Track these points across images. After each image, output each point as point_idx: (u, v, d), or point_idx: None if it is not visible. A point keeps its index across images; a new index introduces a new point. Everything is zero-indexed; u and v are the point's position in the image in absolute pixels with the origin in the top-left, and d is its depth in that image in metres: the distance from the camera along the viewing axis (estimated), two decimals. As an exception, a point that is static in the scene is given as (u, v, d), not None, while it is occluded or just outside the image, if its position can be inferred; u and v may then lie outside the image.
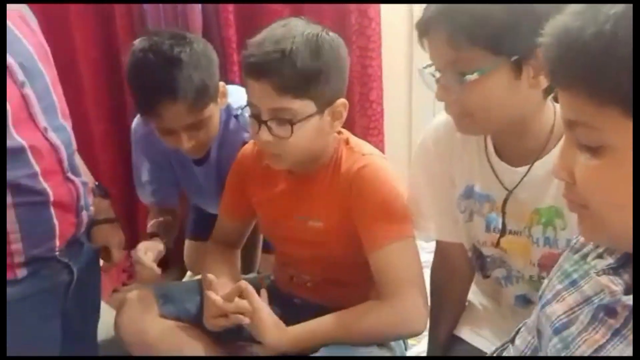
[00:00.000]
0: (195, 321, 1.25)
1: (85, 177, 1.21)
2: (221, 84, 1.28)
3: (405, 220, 1.10)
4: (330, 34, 1.08)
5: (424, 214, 1.11)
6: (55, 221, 1.07)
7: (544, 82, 0.88)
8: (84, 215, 1.15)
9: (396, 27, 2.06)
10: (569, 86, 0.56)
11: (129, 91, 2.06)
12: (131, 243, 2.26)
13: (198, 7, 1.94)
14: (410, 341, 1.32)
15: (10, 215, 1.00)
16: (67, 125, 1.12)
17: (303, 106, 1.04)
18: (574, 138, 0.57)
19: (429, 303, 1.12)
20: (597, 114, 0.53)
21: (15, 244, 1.03)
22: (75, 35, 2.01)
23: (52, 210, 1.06)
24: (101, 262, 1.32)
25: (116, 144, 2.13)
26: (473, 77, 0.87)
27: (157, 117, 1.19)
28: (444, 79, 0.92)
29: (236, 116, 1.34)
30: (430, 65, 0.95)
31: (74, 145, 1.15)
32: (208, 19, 1.98)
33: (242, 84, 1.30)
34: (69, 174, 1.09)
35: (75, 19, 2.00)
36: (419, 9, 2.06)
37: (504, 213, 1.01)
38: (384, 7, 1.97)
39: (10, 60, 1.01)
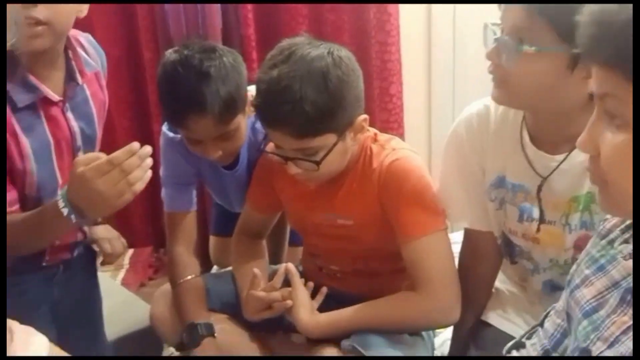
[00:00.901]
0: (232, 311, 1.28)
1: None
2: (250, 93, 1.27)
3: (438, 212, 1.11)
4: (337, 54, 1.05)
5: (454, 202, 1.13)
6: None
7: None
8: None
9: (415, 21, 2.08)
10: (603, 62, 0.59)
11: (152, 89, 2.11)
12: (155, 239, 2.32)
13: (217, 6, 1.97)
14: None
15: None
16: None
17: (324, 140, 1.05)
18: (603, 112, 0.61)
19: None
20: (628, 88, 0.57)
21: None
22: (97, 34, 2.05)
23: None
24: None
25: (139, 140, 2.16)
26: (530, 49, 0.86)
27: (185, 129, 1.23)
28: (501, 40, 0.91)
29: None
30: (498, 25, 0.93)
31: None
32: (227, 18, 2.01)
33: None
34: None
35: (97, 18, 2.04)
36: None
37: (539, 200, 1.03)
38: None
39: (74, 124, 1.18)
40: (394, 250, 1.13)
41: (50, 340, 0.73)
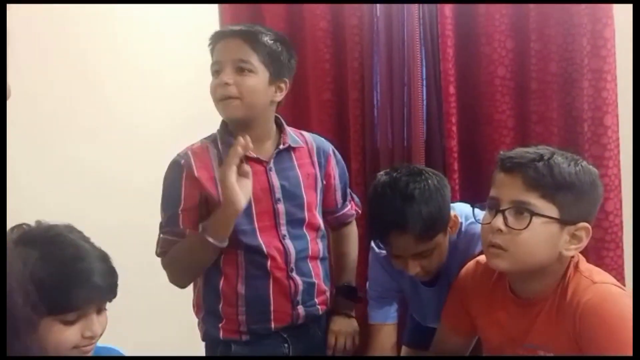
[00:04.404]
0: None
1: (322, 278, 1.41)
2: (454, 214, 1.35)
3: None
4: (592, 167, 1.14)
5: None
6: (272, 307, 1.33)
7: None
8: (300, 309, 1.37)
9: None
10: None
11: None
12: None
13: (422, 118, 2.06)
14: None
15: (242, 291, 1.31)
16: (308, 234, 1.39)
17: (546, 207, 1.06)
18: None
19: None
20: None
21: (241, 316, 1.34)
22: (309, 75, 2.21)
23: (271, 298, 1.33)
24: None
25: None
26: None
27: (387, 244, 1.35)
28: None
29: (462, 231, 1.39)
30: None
31: (309, 252, 1.40)
32: (431, 130, 2.07)
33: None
34: (293, 274, 1.35)
35: (311, 62, 2.19)
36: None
37: None
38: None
39: (275, 181, 1.36)
40: None
41: None
